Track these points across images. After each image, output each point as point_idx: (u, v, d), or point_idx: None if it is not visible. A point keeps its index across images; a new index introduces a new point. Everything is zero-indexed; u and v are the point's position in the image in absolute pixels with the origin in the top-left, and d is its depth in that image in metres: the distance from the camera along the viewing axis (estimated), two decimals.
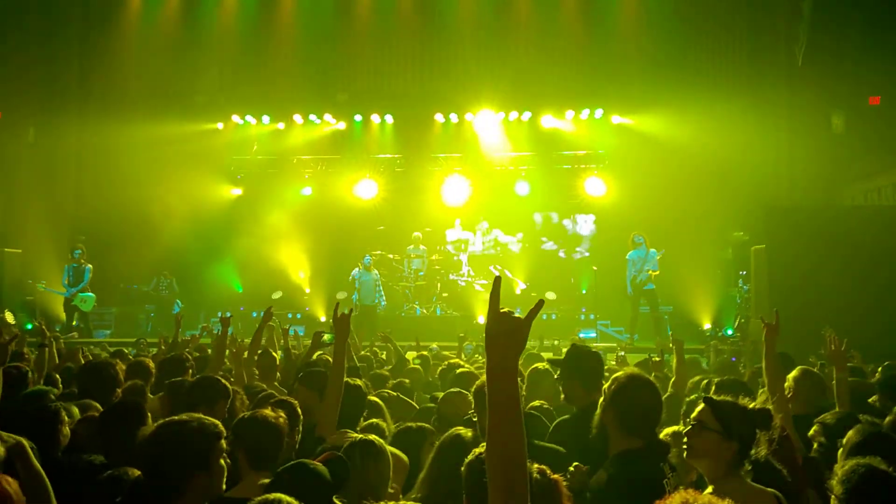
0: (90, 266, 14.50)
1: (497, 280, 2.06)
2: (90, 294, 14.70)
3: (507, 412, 1.95)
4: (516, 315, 1.98)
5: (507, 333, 1.96)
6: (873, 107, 14.19)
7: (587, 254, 17.18)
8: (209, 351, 7.42)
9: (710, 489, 2.81)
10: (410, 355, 8.46)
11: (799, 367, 4.91)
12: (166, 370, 5.53)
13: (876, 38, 13.05)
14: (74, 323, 14.52)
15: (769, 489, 2.92)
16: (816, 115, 14.24)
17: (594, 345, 12.23)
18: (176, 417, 2.93)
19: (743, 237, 13.81)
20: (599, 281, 15.15)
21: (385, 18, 17.08)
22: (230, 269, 17.04)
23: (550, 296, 16.29)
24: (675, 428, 3.76)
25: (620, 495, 3.00)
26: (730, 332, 13.39)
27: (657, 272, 13.19)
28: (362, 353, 8.29)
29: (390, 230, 17.38)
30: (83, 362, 6.68)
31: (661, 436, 3.63)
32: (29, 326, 14.54)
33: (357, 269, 15.26)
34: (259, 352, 6.57)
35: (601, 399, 3.36)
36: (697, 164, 14.34)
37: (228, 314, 6.02)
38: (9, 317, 13.66)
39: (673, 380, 5.61)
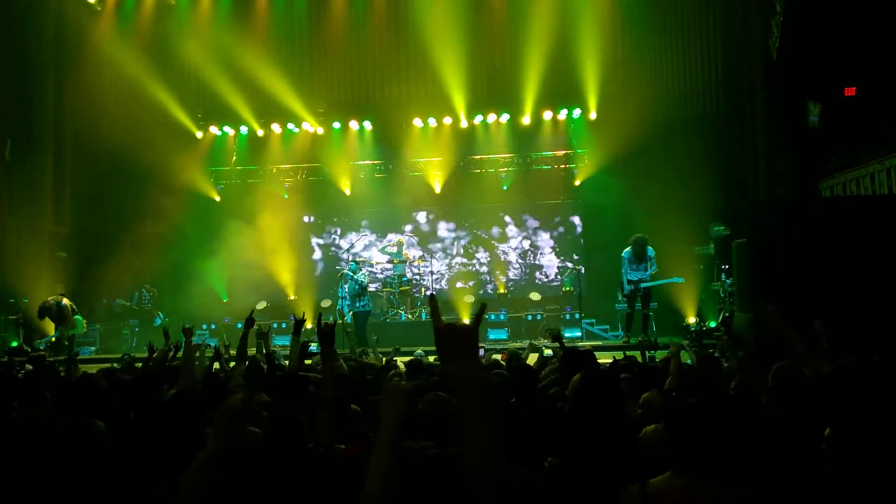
0: (65, 302, 14.33)
1: (432, 298, 2.08)
2: (78, 317, 14.61)
3: (481, 423, 1.90)
4: (462, 323, 1.97)
5: (456, 343, 1.94)
6: (849, 97, 14.24)
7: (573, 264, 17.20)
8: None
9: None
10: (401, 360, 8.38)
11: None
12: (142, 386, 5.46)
13: (850, 29, 13.08)
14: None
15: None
16: (792, 106, 14.29)
17: (580, 343, 12.25)
18: None
19: (724, 231, 13.84)
20: (583, 279, 15.19)
21: (359, 25, 17.07)
22: (215, 280, 16.94)
23: (534, 297, 16.35)
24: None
25: None
26: (713, 325, 13.41)
27: (657, 271, 12.83)
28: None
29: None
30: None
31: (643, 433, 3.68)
32: (14, 344, 14.43)
33: (341, 280, 14.71)
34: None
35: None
36: (676, 160, 14.36)
37: (188, 325, 6.08)
38: None
39: (669, 380, 5.61)
